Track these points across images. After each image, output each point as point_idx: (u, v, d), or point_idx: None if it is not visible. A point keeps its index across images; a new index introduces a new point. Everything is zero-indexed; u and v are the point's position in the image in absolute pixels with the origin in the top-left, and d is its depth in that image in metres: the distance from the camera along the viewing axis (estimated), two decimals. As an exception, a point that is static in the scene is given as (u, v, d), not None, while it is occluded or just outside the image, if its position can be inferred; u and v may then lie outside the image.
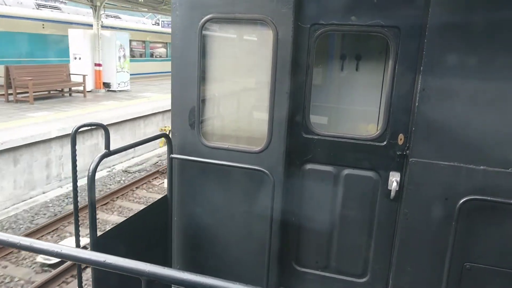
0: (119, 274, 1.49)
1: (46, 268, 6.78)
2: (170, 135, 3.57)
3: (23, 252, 7.22)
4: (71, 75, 17.60)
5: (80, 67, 18.05)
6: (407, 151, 3.07)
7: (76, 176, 2.93)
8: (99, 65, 18.77)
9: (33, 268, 6.82)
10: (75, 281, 6.39)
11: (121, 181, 11.21)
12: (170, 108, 13.93)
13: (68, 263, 6.61)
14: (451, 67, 2.79)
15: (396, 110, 3.08)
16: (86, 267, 5.14)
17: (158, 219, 3.57)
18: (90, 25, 19.04)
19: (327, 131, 3.36)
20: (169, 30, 28.26)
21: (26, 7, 20.32)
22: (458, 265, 2.98)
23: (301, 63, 3.22)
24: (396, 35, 2.98)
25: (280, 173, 3.27)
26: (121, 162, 12.74)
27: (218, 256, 3.59)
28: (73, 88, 17.53)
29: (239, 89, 3.74)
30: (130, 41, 26.39)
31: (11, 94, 14.75)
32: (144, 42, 28.55)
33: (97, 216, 8.81)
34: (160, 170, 11.99)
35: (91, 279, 2.98)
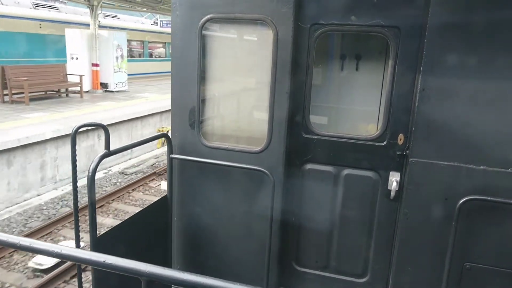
0: (119, 274, 1.49)
1: (38, 274, 6.62)
2: (170, 135, 3.56)
3: (15, 257, 7.07)
4: (68, 75, 17.42)
5: (77, 67, 17.87)
6: (407, 151, 3.06)
7: (76, 176, 2.92)
8: (97, 65, 18.61)
9: (25, 273, 6.66)
10: (75, 281, 6.32)
11: (117, 183, 11.04)
12: (168, 108, 13.73)
13: (60, 268, 6.50)
14: (451, 67, 2.79)
15: (396, 110, 3.08)
16: (86, 267, 5.10)
17: (158, 219, 3.57)
18: (88, 25, 18.89)
19: (327, 131, 3.36)
20: (167, 29, 28.17)
21: (23, 7, 20.15)
22: (458, 265, 2.98)
23: (301, 63, 3.21)
24: (396, 35, 2.97)
25: (280, 173, 3.26)
26: (118, 164, 12.57)
27: (218, 256, 3.59)
28: (70, 89, 17.37)
29: (239, 89, 3.73)
30: (129, 41, 26.38)
31: (6, 94, 14.59)
32: (142, 42, 28.38)
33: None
34: (157, 171, 11.82)
35: (91, 280, 2.95)
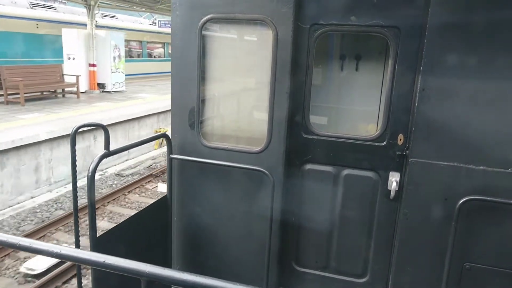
0: (119, 274, 1.49)
1: (30, 279, 6.45)
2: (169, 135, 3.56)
3: (6, 261, 6.92)
4: (65, 76, 17.22)
5: (74, 68, 17.61)
6: (407, 151, 3.06)
7: (76, 176, 2.94)
8: (94, 65, 18.42)
9: (16, 278, 6.50)
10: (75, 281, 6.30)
11: (113, 185, 10.87)
12: (165, 109, 13.52)
13: (52, 274, 6.39)
14: (451, 67, 2.78)
15: (395, 110, 3.07)
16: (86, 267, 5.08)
17: (158, 219, 3.56)
18: (86, 25, 18.70)
19: (327, 131, 3.35)
20: (166, 29, 28.01)
21: (20, 7, 19.97)
22: (458, 265, 2.98)
23: (301, 63, 3.20)
24: (396, 35, 2.97)
25: (280, 173, 3.26)
26: (114, 165, 12.40)
27: (218, 256, 3.59)
28: (66, 89, 17.13)
29: (239, 89, 3.73)
30: (128, 41, 26.20)
31: (1, 95, 14.32)
32: (141, 42, 28.21)
33: (86, 223, 8.49)
34: (153, 173, 11.66)
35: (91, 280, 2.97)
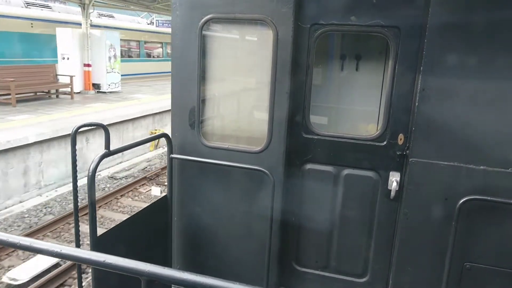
0: (119, 274, 1.49)
1: (12, 290, 6.14)
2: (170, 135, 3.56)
3: (-10, 271, 6.58)
4: (59, 76, 16.90)
5: (68, 68, 17.27)
6: (407, 151, 3.06)
7: (76, 176, 2.93)
8: (89, 65, 18.09)
9: (-2, 289, 6.18)
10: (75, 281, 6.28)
11: (106, 189, 10.55)
12: (160, 110, 13.21)
13: (38, 282, 6.17)
14: (451, 67, 2.79)
15: (396, 110, 3.08)
16: (87, 267, 5.18)
17: (158, 219, 3.57)
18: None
19: (327, 131, 3.36)
20: (164, 29, 27.69)
21: (15, 6, 19.65)
22: (458, 265, 2.98)
23: (301, 63, 3.20)
24: (396, 35, 2.97)
25: (280, 173, 3.26)
26: (108, 168, 12.07)
27: (218, 256, 3.59)
28: (60, 90, 16.79)
29: (239, 89, 3.74)
30: (125, 40, 25.89)
31: (-7, 96, 14.08)
32: (138, 42, 27.88)
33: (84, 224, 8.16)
34: (148, 176, 11.35)
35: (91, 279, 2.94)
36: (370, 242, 3.34)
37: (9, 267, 6.66)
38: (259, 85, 3.47)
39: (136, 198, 10.10)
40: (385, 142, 3.16)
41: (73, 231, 8.17)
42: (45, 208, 9.20)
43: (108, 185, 10.79)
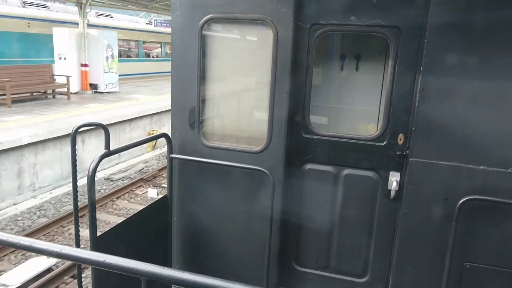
0: (119, 274, 1.49)
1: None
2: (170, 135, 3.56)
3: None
4: (55, 76, 16.74)
5: (65, 68, 17.17)
6: (407, 151, 3.07)
7: (76, 176, 2.92)
8: (86, 65, 17.88)
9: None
10: (75, 281, 6.28)
11: (102, 190, 10.39)
12: (158, 111, 13.03)
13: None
14: (451, 67, 2.78)
15: (396, 110, 3.08)
16: (87, 267, 5.13)
17: (158, 219, 3.57)
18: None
19: (327, 131, 3.35)
20: (162, 29, 27.52)
21: (11, 5, 19.49)
22: (458, 265, 2.98)
23: (301, 63, 3.20)
24: (396, 35, 2.97)
25: (280, 173, 3.27)
26: (104, 169, 11.90)
27: (218, 256, 3.59)
28: (57, 90, 16.64)
29: (239, 89, 3.73)
30: (124, 40, 25.72)
31: (-12, 96, 13.90)
32: (137, 42, 27.70)
33: (70, 231, 7.99)
34: (144, 178, 11.18)
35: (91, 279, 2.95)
36: (370, 242, 3.34)
37: (0, 272, 6.50)
38: (259, 85, 3.46)
39: (132, 200, 9.94)
40: (385, 142, 3.15)
41: (67, 234, 8.04)
42: (39, 210, 9.04)
43: (104, 187, 10.63)
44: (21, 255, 7.13)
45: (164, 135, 3.51)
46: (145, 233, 3.40)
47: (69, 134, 10.71)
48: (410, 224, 3.04)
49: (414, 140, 2.94)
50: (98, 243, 2.82)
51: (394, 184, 3.10)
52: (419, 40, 2.90)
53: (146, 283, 1.44)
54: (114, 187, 10.59)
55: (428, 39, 2.78)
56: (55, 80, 16.76)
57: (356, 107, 3.79)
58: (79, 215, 7.52)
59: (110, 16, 28.16)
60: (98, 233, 2.85)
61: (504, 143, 2.77)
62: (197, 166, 3.48)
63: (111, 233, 2.99)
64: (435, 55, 2.79)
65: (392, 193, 3.13)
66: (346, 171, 3.30)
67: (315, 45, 3.17)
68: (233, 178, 3.42)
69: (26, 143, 9.48)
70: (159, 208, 3.56)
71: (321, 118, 3.71)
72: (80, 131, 11.56)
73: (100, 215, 8.88)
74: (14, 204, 9.24)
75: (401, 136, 3.10)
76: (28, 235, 7.60)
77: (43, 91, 16.13)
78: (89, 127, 11.12)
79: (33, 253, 7.09)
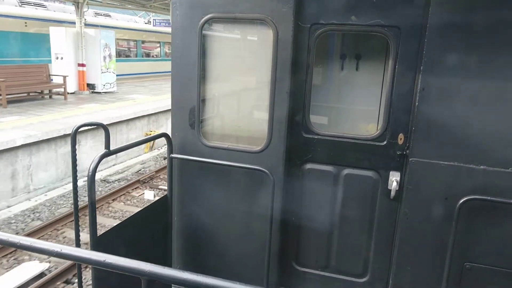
0: (120, 274, 1.49)
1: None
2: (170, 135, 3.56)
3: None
4: (52, 76, 16.54)
5: (62, 68, 16.96)
6: (407, 151, 3.07)
7: (76, 175, 2.92)
8: (83, 65, 17.68)
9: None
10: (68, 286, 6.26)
11: (98, 192, 10.20)
12: (156, 111, 12.87)
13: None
14: (451, 67, 2.79)
15: (396, 110, 3.08)
16: (87, 267, 5.18)
17: (158, 219, 3.57)
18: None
19: (327, 130, 3.36)
20: (160, 28, 27.34)
21: (8, 4, 19.31)
22: (458, 265, 2.99)
23: (301, 63, 3.20)
24: (396, 34, 2.97)
25: (280, 173, 3.27)
26: (100, 171, 11.72)
27: (218, 255, 3.60)
28: (54, 90, 16.45)
29: (239, 88, 3.74)
30: (123, 40, 25.54)
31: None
32: (135, 41, 27.52)
33: (64, 234, 7.81)
34: (141, 179, 11.01)
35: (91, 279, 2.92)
36: (370, 242, 3.35)
37: (-9, 278, 6.34)
38: (259, 84, 3.47)
39: (129, 202, 9.76)
40: (385, 142, 3.16)
41: (61, 237, 7.89)
42: (33, 213, 8.87)
43: (100, 189, 10.45)
44: (13, 259, 6.96)
45: (164, 135, 3.50)
46: (145, 233, 3.40)
47: (64, 135, 10.55)
48: (410, 224, 3.05)
49: (414, 140, 2.95)
50: (98, 243, 2.82)
51: (394, 184, 3.11)
52: (419, 40, 2.90)
53: (146, 283, 1.45)
54: (110, 189, 10.42)
55: (428, 39, 2.79)
56: (52, 80, 16.58)
57: (356, 107, 3.79)
58: (73, 218, 7.41)
59: (108, 16, 27.99)
60: (98, 233, 2.85)
61: (504, 143, 2.77)
62: (197, 166, 3.48)
63: (111, 233, 2.99)
64: (435, 55, 2.79)
65: (392, 193, 3.13)
66: (346, 171, 3.30)
67: (315, 44, 3.17)
68: (233, 178, 3.42)
69: (20, 144, 9.31)
70: (159, 208, 3.57)
71: (321, 118, 3.71)
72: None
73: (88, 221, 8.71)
74: (8, 207, 9.08)
75: (401, 136, 3.10)
76: (20, 239, 7.43)
77: (40, 91, 15.95)
78: (87, 128, 10.96)
79: (25, 258, 6.95)
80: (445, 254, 2.93)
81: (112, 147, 2.93)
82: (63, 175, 10.61)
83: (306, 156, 3.37)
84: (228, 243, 3.56)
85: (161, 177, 11.57)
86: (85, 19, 17.74)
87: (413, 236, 3.07)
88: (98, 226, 8.74)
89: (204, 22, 3.26)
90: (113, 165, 12.43)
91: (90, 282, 3.05)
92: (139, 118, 14.23)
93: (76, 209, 2.97)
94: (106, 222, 8.49)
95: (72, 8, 19.39)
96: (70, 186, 10.46)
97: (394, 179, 3.14)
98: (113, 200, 9.75)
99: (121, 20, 29.54)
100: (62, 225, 8.23)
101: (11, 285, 5.96)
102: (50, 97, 16.31)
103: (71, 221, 8.38)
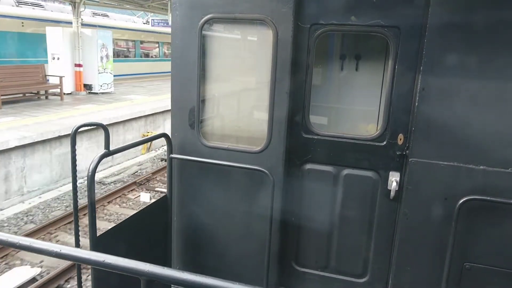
0: (119, 274, 1.49)
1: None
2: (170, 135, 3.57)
3: None
4: (49, 77, 16.39)
5: (58, 68, 16.83)
6: (407, 151, 3.07)
7: (76, 176, 2.93)
8: (80, 65, 17.54)
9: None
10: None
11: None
12: (153, 112, 12.68)
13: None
14: (451, 67, 2.79)
15: (395, 110, 3.08)
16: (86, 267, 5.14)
17: (158, 219, 3.58)
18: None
19: (327, 131, 3.36)
20: (159, 28, 27.19)
21: (5, 4, 19.16)
22: (458, 265, 2.99)
23: (301, 63, 3.20)
24: (396, 35, 2.97)
25: (280, 173, 3.27)
26: (97, 172, 11.55)
27: (218, 256, 3.60)
28: (50, 91, 16.29)
29: (239, 89, 3.74)
30: (121, 40, 25.38)
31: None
32: (134, 41, 27.36)
33: (57, 238, 7.64)
34: (137, 181, 10.85)
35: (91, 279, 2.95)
36: (370, 242, 3.35)
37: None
38: (259, 85, 3.47)
39: (124, 204, 9.61)
40: (385, 142, 3.16)
41: (54, 241, 7.68)
42: (26, 216, 8.71)
43: (96, 191, 10.28)
44: (4, 264, 6.81)
45: (164, 135, 3.50)
46: (145, 233, 3.40)
47: (59, 136, 10.38)
48: (410, 224, 3.05)
49: (414, 140, 2.95)
50: (98, 243, 2.82)
51: (394, 184, 3.11)
52: (419, 40, 2.90)
53: (146, 283, 1.45)
54: (106, 191, 10.27)
55: (428, 39, 2.78)
56: (48, 80, 16.42)
57: (356, 107, 3.79)
58: (73, 217, 7.26)
59: (106, 16, 27.83)
60: (98, 234, 2.85)
61: (504, 143, 2.77)
62: (197, 166, 3.49)
63: (111, 233, 2.98)
64: (435, 55, 2.79)
65: (392, 193, 3.13)
66: (346, 171, 3.31)
67: (315, 45, 3.17)
68: (233, 178, 3.42)
69: (14, 146, 9.15)
70: (159, 208, 3.56)
71: (321, 118, 3.71)
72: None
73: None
74: (1, 210, 8.92)
75: (401, 136, 3.10)
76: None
77: (36, 92, 15.79)
78: (83, 129, 10.80)
79: (16, 263, 6.78)
80: (444, 254, 2.93)
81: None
82: (57, 177, 10.45)
83: (306, 157, 3.37)
84: (228, 243, 3.56)
85: (157, 179, 11.42)
86: (82, 19, 17.59)
87: (413, 236, 3.07)
88: (92, 230, 8.53)
89: (204, 23, 3.26)
90: (110, 166, 12.29)
91: (89, 283, 3.00)
92: (136, 119, 14.08)
93: (76, 209, 2.97)
94: (100, 225, 8.31)
95: (70, 8, 19.25)
96: (64, 188, 10.31)
97: (393, 179, 3.14)
98: (109, 202, 9.60)
99: (119, 20, 29.38)
100: (55, 229, 8.06)
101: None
102: (46, 97, 16.15)
103: (64, 225, 8.24)
